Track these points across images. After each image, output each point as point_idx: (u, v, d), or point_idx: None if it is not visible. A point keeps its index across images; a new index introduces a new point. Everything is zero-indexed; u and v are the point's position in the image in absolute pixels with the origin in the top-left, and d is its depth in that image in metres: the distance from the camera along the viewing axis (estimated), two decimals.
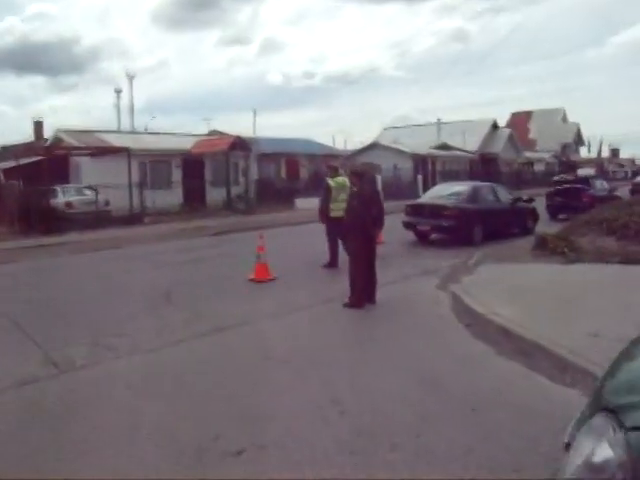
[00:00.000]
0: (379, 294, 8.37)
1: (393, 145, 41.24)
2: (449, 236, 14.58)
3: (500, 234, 15.38)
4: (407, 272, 10.74)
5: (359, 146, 44.23)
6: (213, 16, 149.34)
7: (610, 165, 73.27)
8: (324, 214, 11.35)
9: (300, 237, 17.04)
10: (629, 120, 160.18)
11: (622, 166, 78.01)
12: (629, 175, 69.96)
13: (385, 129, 55.49)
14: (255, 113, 37.70)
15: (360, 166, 8.68)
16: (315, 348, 6.19)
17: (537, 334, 5.89)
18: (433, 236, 15.21)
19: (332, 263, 11.37)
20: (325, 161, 35.27)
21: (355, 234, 8.10)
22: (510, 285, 8.52)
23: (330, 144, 47.93)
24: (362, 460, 3.69)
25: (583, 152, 71.31)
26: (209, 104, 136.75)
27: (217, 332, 6.95)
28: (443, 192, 15.62)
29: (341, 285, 9.01)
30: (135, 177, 23.44)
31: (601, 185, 22.24)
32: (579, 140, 68.01)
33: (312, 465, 3.64)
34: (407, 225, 15.18)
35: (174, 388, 5.09)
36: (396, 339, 6.47)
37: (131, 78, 57.08)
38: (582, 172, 27.17)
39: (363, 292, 8.10)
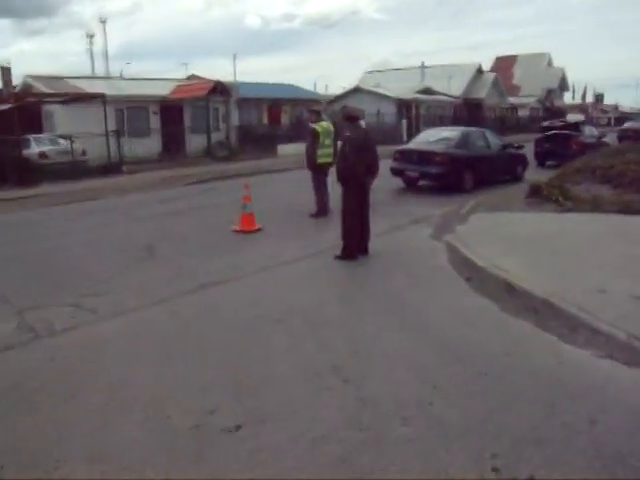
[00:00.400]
0: (371, 245, 8.04)
1: (376, 89, 40.32)
2: (439, 183, 14.19)
3: (490, 181, 15.06)
4: (398, 221, 10.38)
5: (341, 91, 43.24)
6: None
7: (594, 111, 72.84)
8: (312, 161, 10.91)
9: (285, 184, 16.59)
10: (612, 66, 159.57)
11: (606, 112, 77.74)
12: (612, 121, 69.75)
13: (367, 73, 54.25)
14: (235, 58, 35.85)
15: (353, 109, 8.11)
16: (309, 305, 5.84)
17: (542, 289, 5.59)
18: (421, 182, 14.82)
19: (320, 212, 10.99)
20: (307, 106, 34.51)
21: (348, 183, 7.66)
22: (508, 235, 8.20)
23: (311, 89, 46.81)
24: (372, 436, 3.38)
25: (567, 98, 70.66)
26: (186, 49, 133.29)
27: (203, 289, 6.57)
28: (432, 137, 15.14)
29: (331, 235, 8.66)
30: (111, 125, 22.51)
31: (590, 131, 21.84)
32: (564, 85, 67.14)
33: (318, 442, 3.33)
34: (395, 171, 14.74)
35: (162, 354, 4.72)
36: (394, 295, 6.15)
37: (104, 22, 55.11)
38: (571, 118, 26.63)
39: (356, 243, 7.74)
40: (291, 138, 29.05)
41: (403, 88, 42.39)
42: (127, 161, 22.44)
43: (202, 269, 7.41)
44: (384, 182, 14.18)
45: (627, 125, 36.48)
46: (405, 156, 14.63)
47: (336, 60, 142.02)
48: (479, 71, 50.43)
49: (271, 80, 39.22)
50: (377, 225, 8.93)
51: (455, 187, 13.88)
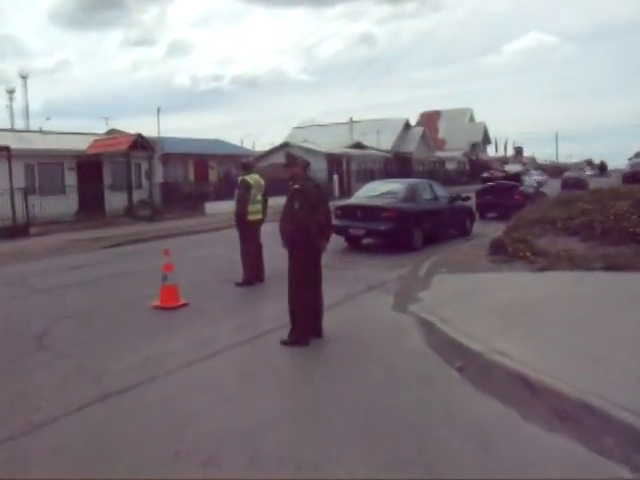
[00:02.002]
0: (324, 322, 6.43)
1: (306, 144, 39.48)
2: (386, 240, 12.82)
3: (439, 236, 13.89)
4: (350, 288, 8.83)
5: (268, 148, 42.22)
6: (117, 16, 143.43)
7: (515, 163, 75.15)
8: (242, 217, 9.39)
9: (214, 247, 14.83)
10: (529, 121, 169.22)
11: (525, 164, 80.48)
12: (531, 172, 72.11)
13: (295, 128, 53.74)
14: (159, 111, 33.71)
15: (298, 155, 6.52)
16: (253, 428, 4.08)
17: (569, 384, 4.12)
18: (365, 241, 13.42)
19: (250, 279, 9.39)
20: (235, 162, 33.11)
21: (298, 247, 6.06)
22: (489, 304, 6.79)
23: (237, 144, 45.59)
24: None
25: (490, 151, 72.57)
26: (112, 107, 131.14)
27: (106, 399, 4.74)
28: (376, 191, 13.85)
29: (272, 309, 7.13)
30: (19, 182, 20.34)
31: (530, 182, 21.36)
32: (486, 139, 68.99)
33: None
34: (337, 229, 13.21)
35: None
36: (371, 401, 4.48)
37: (25, 77, 52.75)
38: (510, 168, 26.27)
39: (308, 324, 6.12)
40: (219, 195, 27.47)
41: (333, 143, 41.87)
42: (37, 222, 20.21)
43: (109, 366, 5.57)
44: None
45: (568, 174, 41.55)
46: (348, 212, 13.20)
47: (263, 119, 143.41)
48: (407, 126, 50.87)
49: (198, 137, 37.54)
50: (327, 295, 7.40)
51: (404, 245, 12.57)
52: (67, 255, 14.46)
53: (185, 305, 8.07)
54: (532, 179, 22.45)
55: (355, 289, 8.80)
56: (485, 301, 6.94)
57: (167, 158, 28.85)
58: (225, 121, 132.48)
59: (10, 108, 50.80)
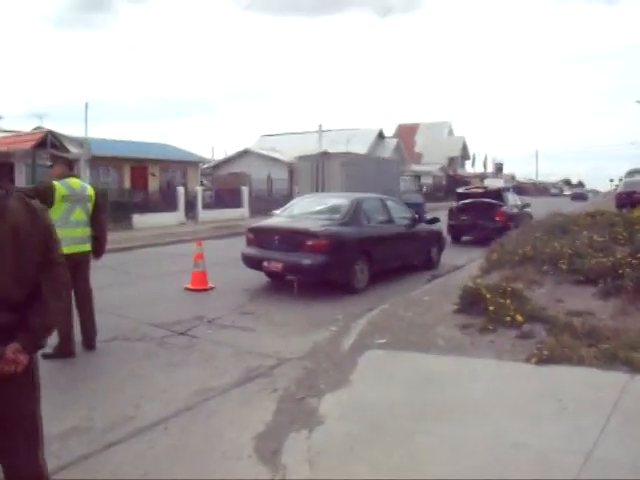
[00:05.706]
0: None
1: (266, 152, 35.94)
2: (314, 279, 9.01)
3: (393, 270, 10.19)
4: (211, 378, 5.03)
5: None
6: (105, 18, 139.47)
7: (495, 179, 72.36)
8: None
9: (103, 276, 10.93)
10: (509, 139, 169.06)
11: (505, 182, 78.13)
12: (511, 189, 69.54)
13: (262, 136, 50.12)
14: (87, 107, 27.99)
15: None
16: None
17: None
18: (290, 277, 9.48)
19: (65, 347, 5.68)
20: (182, 168, 29.31)
21: None
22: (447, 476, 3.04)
23: (208, 153, 41.87)
24: None
25: (468, 166, 69.46)
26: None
27: None
28: (308, 208, 10.03)
29: (65, 424, 3.28)
30: None
31: (514, 200, 17.70)
32: (465, 154, 65.75)
33: None
34: (249, 261, 9.45)
35: None
36: None
37: None
38: (491, 183, 22.59)
39: None
40: (156, 206, 23.71)
41: (300, 152, 38.19)
42: None
43: None
44: (241, 274, 9.15)
45: (575, 191, 60.40)
46: (263, 238, 9.30)
47: (245, 127, 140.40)
48: (380, 136, 47.40)
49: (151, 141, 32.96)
50: (163, 393, 3.64)
51: (341, 285, 8.85)
52: None
53: None
54: (516, 197, 18.77)
55: (221, 379, 4.98)
56: (440, 464, 3.17)
57: (97, 162, 24.81)
58: (203, 129, 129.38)
59: None
